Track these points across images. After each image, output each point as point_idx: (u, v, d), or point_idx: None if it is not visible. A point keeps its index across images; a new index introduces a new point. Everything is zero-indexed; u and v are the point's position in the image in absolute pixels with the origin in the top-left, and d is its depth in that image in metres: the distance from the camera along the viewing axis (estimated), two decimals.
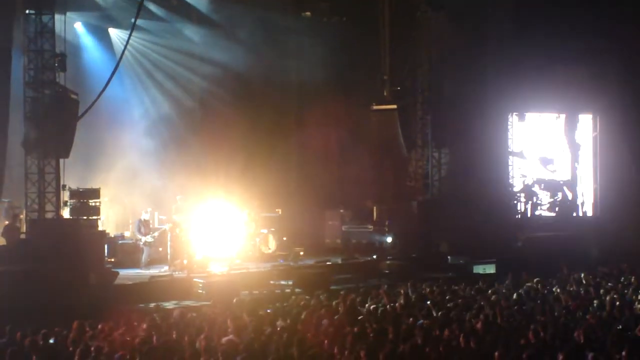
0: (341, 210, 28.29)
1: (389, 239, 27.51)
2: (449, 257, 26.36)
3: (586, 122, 31.31)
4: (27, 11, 22.65)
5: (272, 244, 25.91)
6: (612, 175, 30.84)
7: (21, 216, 22.92)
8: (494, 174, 29.65)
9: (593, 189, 31.37)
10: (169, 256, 23.56)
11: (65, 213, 22.84)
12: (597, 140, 31.21)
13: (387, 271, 24.97)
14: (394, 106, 28.57)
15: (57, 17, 22.89)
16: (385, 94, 28.80)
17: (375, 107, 28.70)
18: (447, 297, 17.40)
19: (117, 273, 21.62)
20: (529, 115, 30.48)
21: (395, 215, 28.07)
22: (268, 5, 26.54)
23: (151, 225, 24.30)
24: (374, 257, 26.18)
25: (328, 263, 25.01)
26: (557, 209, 30.79)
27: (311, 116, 27.45)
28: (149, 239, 23.82)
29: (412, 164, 29.23)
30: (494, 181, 29.44)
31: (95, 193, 22.81)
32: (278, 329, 13.74)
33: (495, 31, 27.97)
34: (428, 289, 18.50)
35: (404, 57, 28.83)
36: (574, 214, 31.07)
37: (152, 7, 25.86)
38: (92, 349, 12.37)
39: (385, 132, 28.57)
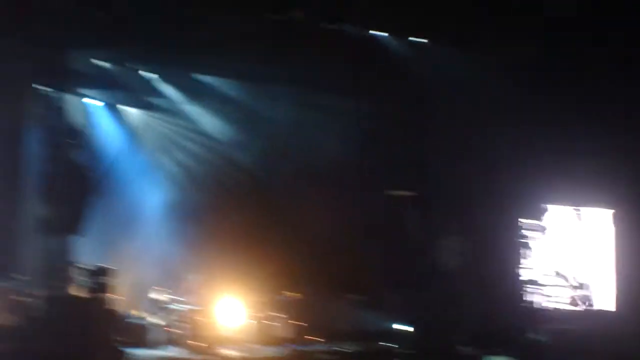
0: (356, 296, 27.85)
1: (403, 327, 27.02)
2: (461, 347, 25.82)
3: (606, 215, 30.89)
4: (39, 88, 22.93)
5: (284, 329, 25.49)
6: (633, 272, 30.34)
7: (32, 293, 22.74)
8: (510, 264, 29.21)
9: (615, 284, 30.80)
10: (176, 336, 23.19)
11: (77, 291, 22.68)
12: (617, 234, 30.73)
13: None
14: (410, 193, 28.39)
15: (71, 94, 23.24)
16: (400, 180, 28.63)
17: (390, 193, 28.50)
18: None
19: (124, 352, 21.25)
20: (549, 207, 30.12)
21: (409, 303, 27.58)
22: (297, 84, 26.50)
23: (161, 305, 23.97)
24: (387, 345, 25.66)
25: (339, 350, 24.54)
26: (577, 302, 30.27)
27: (323, 200, 27.24)
28: (157, 318, 23.52)
29: (426, 251, 28.86)
30: (510, 271, 28.98)
31: (106, 271, 22.63)
32: None
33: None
34: None
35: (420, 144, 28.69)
36: (595, 308, 30.46)
37: (166, 87, 26.01)
38: None
39: (400, 218, 28.32)
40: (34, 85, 23.01)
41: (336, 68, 25.60)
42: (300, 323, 25.83)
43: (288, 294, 26.40)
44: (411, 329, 26.95)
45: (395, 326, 27.21)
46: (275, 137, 26.95)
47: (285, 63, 24.86)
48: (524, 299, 29.71)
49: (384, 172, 28.87)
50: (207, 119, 27.39)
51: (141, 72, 25.55)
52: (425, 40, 25.69)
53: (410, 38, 25.66)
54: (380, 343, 25.72)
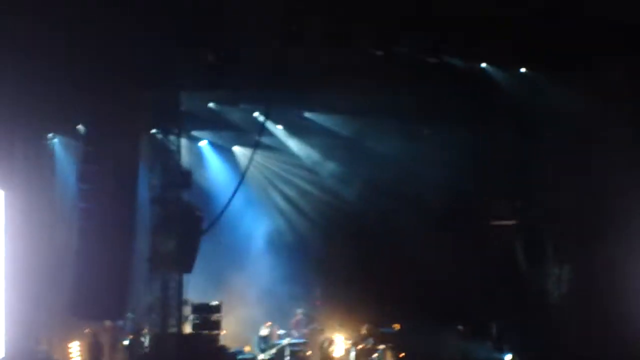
0: (459, 326, 27.90)
1: (509, 357, 26.98)
2: None
3: None
4: (153, 130, 23.64)
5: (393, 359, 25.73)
6: None
7: (144, 330, 23.44)
8: (623, 293, 28.75)
9: None
10: None
11: (187, 327, 23.30)
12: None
13: None
14: (513, 221, 28.33)
15: (183, 135, 23.88)
16: (505, 209, 28.59)
17: (494, 223, 28.50)
18: None
19: None
20: None
21: (513, 332, 27.51)
22: (402, 116, 26.67)
23: (270, 341, 24.40)
24: None
25: None
26: None
27: (428, 229, 27.35)
28: (267, 355, 23.94)
29: (531, 279, 28.75)
30: (623, 300, 28.54)
31: (216, 308, 23.28)
32: None
33: None
34: None
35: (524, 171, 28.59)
36: None
37: (274, 125, 26.47)
38: None
39: (505, 247, 28.27)
40: (149, 128, 23.69)
41: (442, 100, 25.77)
42: (405, 353, 26.07)
43: (393, 325, 26.66)
44: (516, 358, 26.96)
45: (500, 356, 27.24)
46: (381, 170, 27.14)
47: (392, 96, 25.10)
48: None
49: (490, 202, 28.93)
50: (313, 154, 27.80)
51: (251, 112, 26.06)
52: (530, 71, 25.66)
53: (515, 68, 25.63)
54: None
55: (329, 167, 27.77)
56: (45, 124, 24.35)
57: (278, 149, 27.60)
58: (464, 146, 27.71)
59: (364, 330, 25.57)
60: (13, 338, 21.74)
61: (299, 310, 24.68)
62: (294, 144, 27.55)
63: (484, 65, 25.24)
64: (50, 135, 25.11)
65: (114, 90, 22.12)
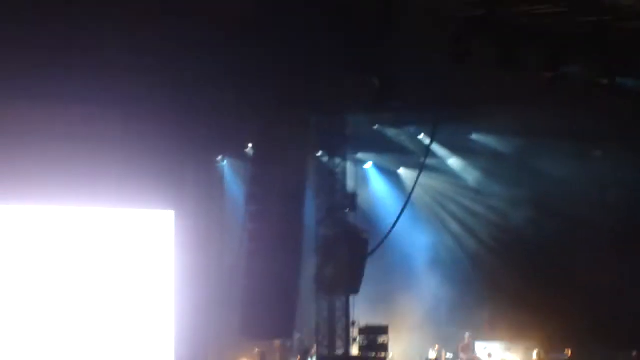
0: (634, 353, 27.01)
1: None
2: None
3: None
4: (319, 153, 23.85)
5: None
6: None
7: (312, 351, 23.59)
8: None
9: None
10: None
11: (354, 349, 23.30)
12: None
13: None
14: None
15: (348, 157, 24.02)
16: None
17: None
18: None
19: None
20: None
21: None
22: (572, 137, 26.08)
23: None
24: None
25: None
26: None
27: (603, 253, 26.60)
28: None
29: None
30: None
31: (383, 329, 23.16)
32: None
33: None
34: None
35: None
36: None
37: (440, 149, 26.35)
38: None
39: None
40: (315, 151, 23.93)
41: (613, 121, 25.19)
42: None
43: (564, 350, 26.05)
44: None
45: None
46: (550, 191, 26.63)
47: (561, 118, 24.70)
48: None
49: None
50: (480, 176, 27.49)
51: (417, 134, 26.06)
52: None
53: None
54: None
55: (496, 188, 27.37)
56: (215, 146, 24.92)
57: (443, 170, 27.41)
58: (636, 168, 26.98)
59: (534, 356, 25.12)
60: (183, 357, 22.20)
61: (467, 334, 24.37)
62: (458, 166, 27.32)
63: None
64: (219, 157, 25.65)
65: (282, 113, 22.40)
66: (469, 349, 24.05)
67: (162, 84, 21.18)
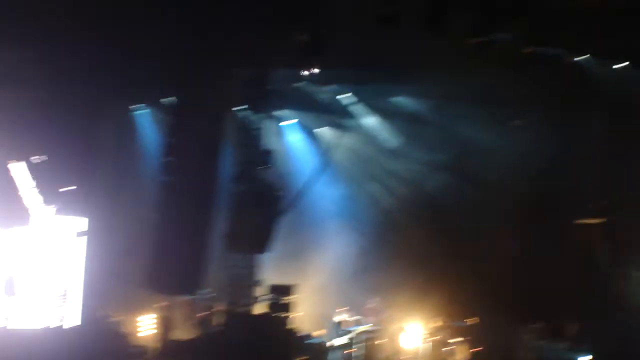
0: (536, 324, 27.38)
1: (587, 358, 26.45)
2: None
3: None
4: (239, 108, 23.52)
5: (463, 354, 25.43)
6: None
7: (217, 308, 23.49)
8: None
9: None
10: (355, 359, 23.56)
11: (260, 308, 23.27)
12: None
13: None
14: (600, 220, 27.66)
15: (268, 114, 23.74)
16: (590, 207, 27.90)
17: (580, 221, 27.84)
18: None
19: None
20: None
21: (593, 333, 26.93)
22: (494, 105, 26.11)
23: (342, 327, 24.19)
24: None
25: None
26: None
27: (511, 224, 26.84)
28: (342, 340, 23.78)
29: (614, 281, 28.09)
30: None
31: (290, 290, 23.14)
32: None
33: None
34: None
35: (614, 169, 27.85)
36: None
37: (359, 107, 26.14)
38: None
39: (588, 246, 27.65)
40: (234, 105, 23.60)
41: (535, 91, 25.27)
42: (478, 349, 25.75)
43: (467, 319, 26.30)
44: (595, 358, 26.44)
45: (578, 356, 26.72)
46: (468, 158, 26.67)
47: (483, 84, 24.71)
48: None
49: (578, 198, 28.26)
50: (396, 138, 27.36)
51: (339, 94, 25.83)
52: (631, 66, 24.96)
53: (614, 63, 24.98)
54: None
55: (415, 152, 27.30)
56: (131, 95, 24.40)
57: (362, 132, 27.25)
58: (556, 139, 27.13)
59: (439, 322, 25.36)
60: (88, 307, 21.97)
61: (375, 298, 24.45)
62: (378, 127, 27.16)
63: (580, 57, 24.67)
64: (135, 107, 25.13)
65: (202, 64, 22.04)
66: (377, 313, 24.09)
67: (80, 27, 20.71)
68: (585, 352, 26.53)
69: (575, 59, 24.68)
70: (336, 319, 24.02)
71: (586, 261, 27.79)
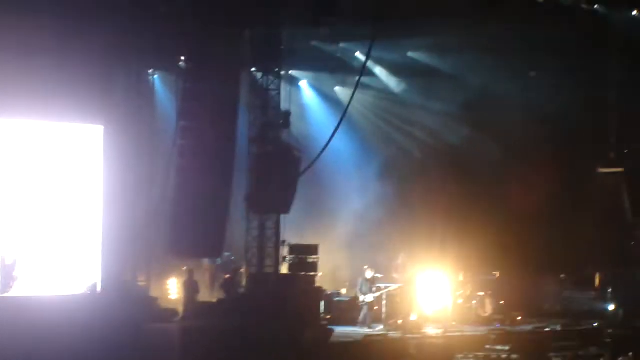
0: (561, 275, 27.27)
1: (612, 307, 26.34)
2: None
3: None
4: (253, 69, 23.38)
5: (489, 308, 25.33)
6: None
7: (241, 270, 23.43)
8: None
9: None
10: (383, 315, 23.55)
11: (284, 268, 23.21)
12: None
13: (609, 340, 23.82)
14: (621, 169, 27.48)
15: (283, 75, 23.56)
16: (611, 155, 27.73)
17: (601, 170, 27.68)
18: None
19: (333, 330, 21.64)
20: None
21: (618, 282, 26.81)
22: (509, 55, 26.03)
23: (369, 284, 24.00)
24: (596, 325, 25.06)
25: (547, 329, 24.21)
26: None
27: (532, 176, 26.65)
28: (369, 297, 23.67)
29: (637, 229, 27.93)
30: None
31: (313, 249, 23.09)
32: None
33: None
34: None
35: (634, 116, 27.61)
36: None
37: (376, 68, 25.98)
38: None
39: (610, 195, 27.50)
40: (249, 66, 23.45)
41: (551, 40, 25.10)
42: (504, 301, 25.66)
43: (492, 272, 26.19)
44: (619, 308, 26.33)
45: (603, 306, 26.61)
46: (487, 110, 26.45)
47: (498, 35, 24.55)
48: None
49: (597, 147, 28.07)
50: (413, 93, 27.15)
51: (353, 52, 25.65)
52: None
53: (627, 10, 24.84)
54: (588, 323, 25.23)
55: (432, 104, 27.05)
56: (146, 60, 24.25)
57: (379, 88, 27.06)
58: (573, 88, 26.91)
59: (461, 277, 25.28)
60: (111, 273, 21.87)
61: (402, 254, 24.34)
62: (395, 83, 26.95)
63: (595, 6, 24.49)
64: (150, 71, 24.97)
65: (216, 26, 21.85)
66: (404, 269, 23.99)
67: None
68: (610, 302, 26.49)
69: (591, 6, 24.57)
70: (365, 275, 23.87)
71: (609, 212, 27.72)
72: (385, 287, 23.98)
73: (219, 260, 24.07)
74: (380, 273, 24.28)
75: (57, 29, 20.90)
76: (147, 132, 24.00)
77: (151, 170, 23.60)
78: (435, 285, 24.91)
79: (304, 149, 23.80)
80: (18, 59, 20.87)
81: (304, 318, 21.22)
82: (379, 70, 26.47)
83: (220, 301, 22.18)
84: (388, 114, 27.36)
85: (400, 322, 22.64)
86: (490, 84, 26.18)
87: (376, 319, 23.74)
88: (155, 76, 25.02)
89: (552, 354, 20.86)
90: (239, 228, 23.47)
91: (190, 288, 22.24)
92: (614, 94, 27.12)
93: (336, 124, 23.58)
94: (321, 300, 22.84)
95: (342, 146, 26.19)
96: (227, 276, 23.44)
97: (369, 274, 23.82)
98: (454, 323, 24.03)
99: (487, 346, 21.89)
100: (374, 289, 23.78)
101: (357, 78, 23.86)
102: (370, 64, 25.42)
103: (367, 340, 21.35)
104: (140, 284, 22.85)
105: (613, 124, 27.33)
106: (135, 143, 23.23)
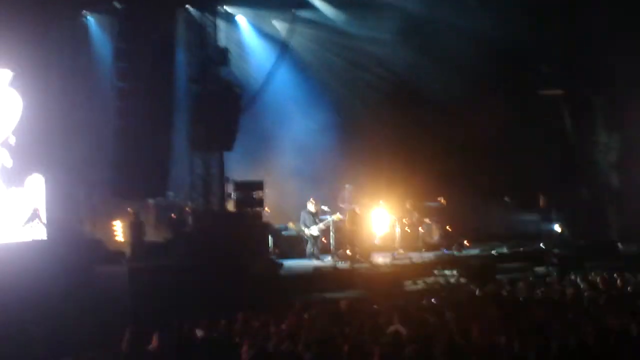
0: (506, 199, 27.47)
1: (557, 227, 26.71)
2: (619, 244, 25.37)
3: None
4: (187, 6, 23.07)
5: (436, 234, 25.57)
6: None
7: (187, 209, 23.34)
8: None
9: None
10: (331, 246, 23.66)
11: (230, 205, 23.16)
12: None
13: (555, 260, 24.21)
14: (561, 91, 27.64)
15: (219, 10, 23.26)
16: (551, 77, 27.79)
17: (541, 92, 27.78)
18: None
19: (282, 264, 21.75)
20: None
21: (562, 203, 27.16)
22: None
23: (315, 216, 24.04)
24: (541, 246, 25.41)
25: (493, 252, 24.54)
26: None
27: (474, 101, 26.61)
28: (314, 230, 23.76)
29: (579, 150, 28.22)
30: None
31: (258, 185, 22.99)
32: (446, 319, 13.42)
33: None
34: (598, 278, 17.96)
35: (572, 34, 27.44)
36: None
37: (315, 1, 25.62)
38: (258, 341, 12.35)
39: (552, 117, 27.71)
40: (184, 3, 23.15)
41: None
42: (451, 226, 25.86)
43: (438, 198, 26.32)
44: (564, 229, 26.70)
45: (549, 227, 26.94)
46: (424, 36, 26.19)
47: None
48: None
49: (537, 70, 28.05)
50: (357, 23, 26.71)
51: None
52: None
53: None
54: (535, 244, 25.54)
55: (375, 34, 26.72)
56: (79, 1, 23.76)
57: (320, 22, 26.59)
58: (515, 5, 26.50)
59: (407, 205, 25.42)
60: (56, 220, 21.63)
61: (347, 186, 24.37)
62: (335, 15, 26.51)
63: None
64: (84, 12, 24.49)
65: None
66: (350, 199, 24.02)
67: None
68: (555, 222, 26.83)
69: None
70: (308, 208, 23.89)
71: (552, 132, 27.92)
72: (329, 219, 24.04)
73: (163, 200, 23.88)
74: (326, 205, 24.29)
75: None
76: (85, 76, 23.57)
77: (90, 113, 23.19)
78: (382, 214, 25.08)
79: (245, 86, 23.68)
80: None
81: (252, 253, 21.30)
82: (317, 2, 26.05)
83: (167, 240, 22.15)
84: (331, 44, 26.98)
85: (348, 252, 22.73)
86: (430, 8, 25.85)
87: (325, 250, 23.90)
88: (89, 17, 24.49)
89: (499, 276, 21.10)
90: (183, 167, 23.38)
91: (137, 229, 22.12)
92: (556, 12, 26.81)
93: (276, 58, 23.50)
94: (269, 235, 22.90)
95: (286, 81, 26.05)
96: (173, 215, 23.32)
97: (310, 206, 23.87)
98: (401, 251, 24.25)
99: (436, 272, 22.17)
100: (317, 221, 23.89)
101: (294, 11, 23.75)
102: None
103: (317, 273, 21.51)
104: (86, 228, 22.66)
105: (555, 42, 27.15)
106: (73, 88, 22.82)
